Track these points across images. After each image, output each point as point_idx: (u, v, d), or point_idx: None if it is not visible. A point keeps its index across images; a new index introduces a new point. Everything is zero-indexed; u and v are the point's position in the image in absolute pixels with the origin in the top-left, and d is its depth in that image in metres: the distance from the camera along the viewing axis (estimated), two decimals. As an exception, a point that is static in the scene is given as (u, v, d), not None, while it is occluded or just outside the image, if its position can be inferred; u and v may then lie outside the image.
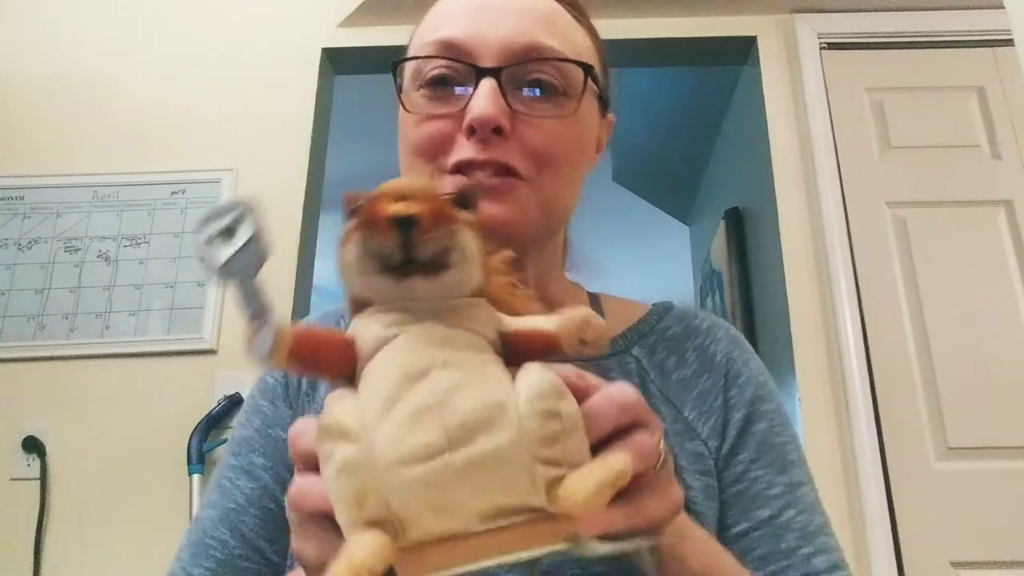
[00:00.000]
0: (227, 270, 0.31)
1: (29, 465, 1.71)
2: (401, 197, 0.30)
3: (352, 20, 2.10)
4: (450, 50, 0.56)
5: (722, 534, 0.56)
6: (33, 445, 1.71)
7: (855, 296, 1.80)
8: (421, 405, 0.28)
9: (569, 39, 0.58)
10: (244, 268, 0.31)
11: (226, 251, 0.31)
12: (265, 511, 0.57)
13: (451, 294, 0.32)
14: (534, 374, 0.30)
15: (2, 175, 1.96)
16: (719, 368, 0.62)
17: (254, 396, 0.62)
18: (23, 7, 2.15)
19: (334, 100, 2.18)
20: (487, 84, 0.53)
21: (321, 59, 2.09)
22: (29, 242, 1.90)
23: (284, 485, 0.57)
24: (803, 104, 1.99)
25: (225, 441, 1.69)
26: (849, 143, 1.95)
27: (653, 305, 0.67)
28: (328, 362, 0.32)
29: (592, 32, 0.63)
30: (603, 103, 0.62)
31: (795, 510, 0.56)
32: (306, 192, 1.97)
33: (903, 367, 1.74)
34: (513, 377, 0.30)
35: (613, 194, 3.25)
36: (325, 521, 0.31)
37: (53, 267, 1.87)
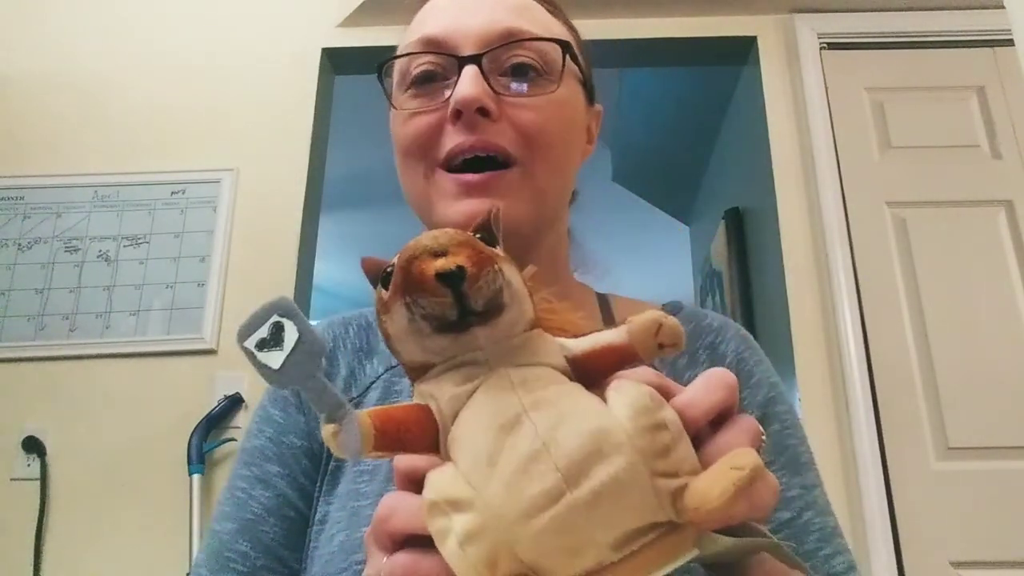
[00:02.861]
0: (286, 377, 0.30)
1: (29, 465, 1.71)
2: (439, 253, 0.29)
3: (352, 20, 2.10)
4: (430, 45, 0.57)
5: None
6: (33, 445, 1.71)
7: (855, 296, 1.80)
8: (526, 452, 0.28)
9: (545, 26, 0.59)
10: (303, 370, 0.30)
11: (278, 357, 0.30)
12: (285, 519, 0.56)
13: (511, 334, 0.31)
14: (627, 390, 0.29)
15: (2, 175, 1.96)
16: (730, 368, 0.61)
17: (264, 406, 0.62)
18: (23, 7, 2.15)
19: (334, 100, 2.19)
20: (469, 70, 0.54)
21: (321, 59, 2.09)
22: (29, 242, 1.90)
23: (302, 492, 0.56)
24: (803, 104, 1.99)
25: (225, 441, 1.70)
26: (849, 143, 1.95)
27: (663, 305, 0.67)
28: (413, 439, 0.31)
29: (570, 26, 0.64)
30: (588, 92, 0.63)
31: (812, 512, 0.56)
32: (306, 192, 1.97)
33: (903, 367, 1.74)
34: (600, 398, 0.30)
35: (613, 194, 3.25)
36: (402, 544, 0.31)
37: (53, 267, 1.87)
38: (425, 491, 0.30)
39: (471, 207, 0.53)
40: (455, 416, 0.30)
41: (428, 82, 0.57)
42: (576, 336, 0.33)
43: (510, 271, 0.31)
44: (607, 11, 2.06)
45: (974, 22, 2.01)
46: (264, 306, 0.30)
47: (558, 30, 0.61)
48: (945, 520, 1.62)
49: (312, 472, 0.58)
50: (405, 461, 0.33)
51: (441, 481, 0.29)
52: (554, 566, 0.27)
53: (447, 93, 0.55)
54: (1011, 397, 1.69)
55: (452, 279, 0.29)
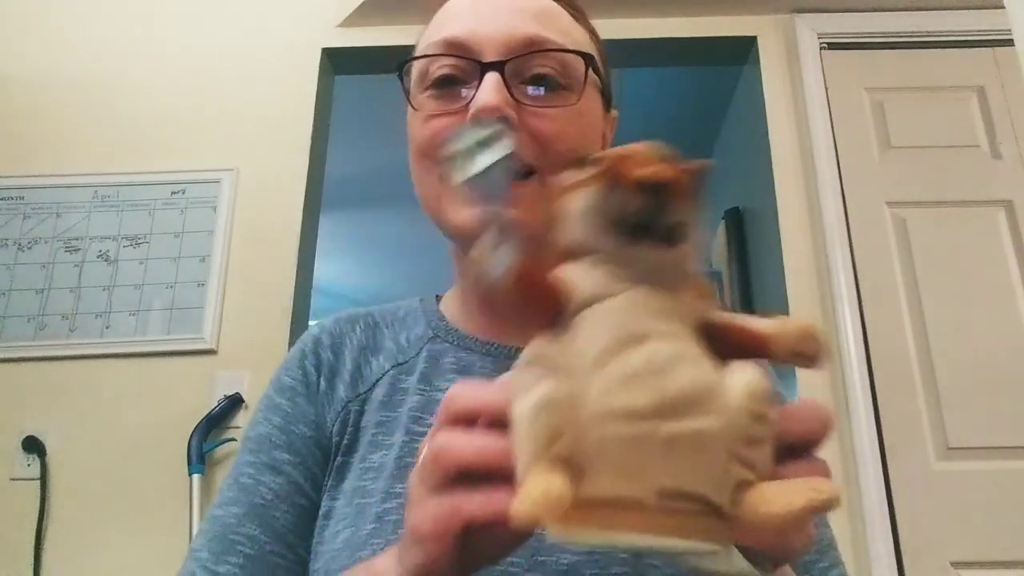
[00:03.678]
0: (476, 183, 0.31)
1: (29, 465, 1.71)
2: (658, 162, 0.30)
3: (352, 20, 2.10)
4: (453, 48, 0.57)
5: None
6: (33, 445, 1.71)
7: (855, 296, 1.80)
8: (638, 368, 0.28)
9: (569, 35, 0.59)
10: (493, 185, 0.31)
11: (478, 165, 0.31)
12: (296, 507, 0.56)
13: (674, 266, 0.31)
14: (750, 372, 0.29)
15: (2, 175, 1.96)
16: None
17: (270, 395, 0.61)
18: (24, 7, 2.15)
19: (334, 100, 2.18)
20: (491, 78, 0.54)
21: (321, 59, 2.09)
22: (29, 242, 1.90)
23: (314, 481, 0.56)
24: (803, 104, 1.99)
25: (225, 441, 1.70)
26: (849, 143, 1.95)
27: None
28: (541, 299, 0.31)
29: (592, 32, 0.64)
30: (606, 99, 0.63)
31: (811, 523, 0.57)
32: (306, 192, 1.97)
33: (903, 367, 1.74)
34: (717, 368, 0.30)
35: (613, 194, 3.24)
36: (454, 481, 0.31)
37: (53, 267, 1.87)
38: (529, 348, 0.30)
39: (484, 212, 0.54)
40: (588, 304, 0.31)
41: (448, 85, 0.57)
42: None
43: (697, 218, 0.31)
44: (607, 11, 2.05)
45: (974, 22, 2.01)
46: (488, 121, 0.32)
47: (581, 37, 0.61)
48: (945, 520, 1.62)
49: (323, 463, 0.58)
50: (463, 400, 0.33)
51: (549, 347, 0.30)
52: (600, 476, 0.27)
53: (466, 96, 0.55)
54: (1011, 397, 1.69)
55: (655, 188, 0.29)
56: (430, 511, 0.32)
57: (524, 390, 0.29)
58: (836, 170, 1.92)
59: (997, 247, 1.83)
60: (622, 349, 0.29)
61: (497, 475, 0.30)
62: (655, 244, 0.30)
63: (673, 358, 0.28)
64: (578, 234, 0.32)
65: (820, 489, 0.28)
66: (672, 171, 0.30)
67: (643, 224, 0.30)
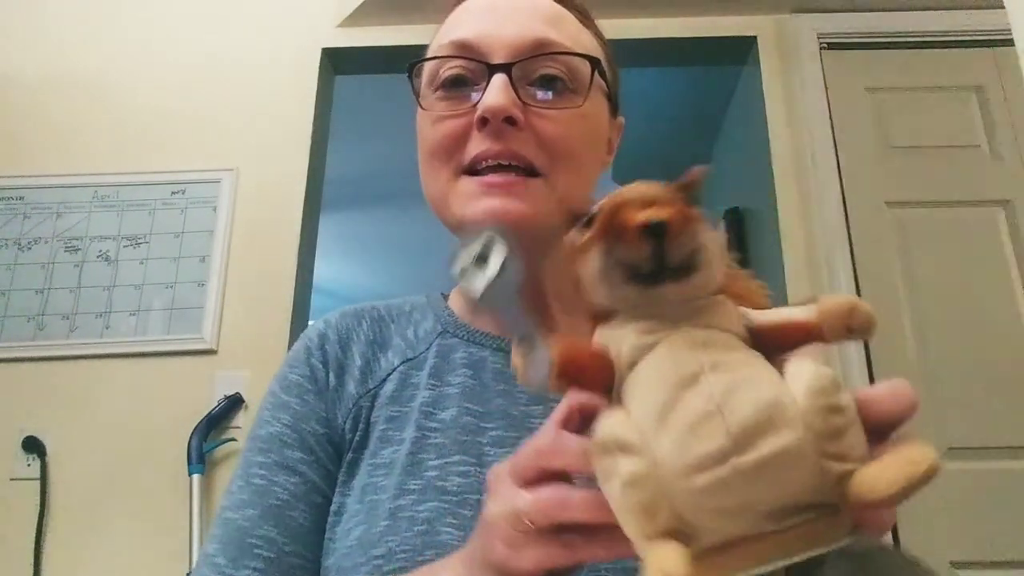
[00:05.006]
0: (488, 297, 0.31)
1: (29, 465, 1.71)
2: (646, 204, 0.30)
3: (352, 20, 2.10)
4: (462, 49, 0.58)
5: None
6: (33, 445, 1.71)
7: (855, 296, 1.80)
8: (700, 411, 0.28)
9: (577, 39, 0.60)
10: (504, 293, 0.32)
11: (483, 279, 0.32)
12: (313, 506, 0.55)
13: (699, 294, 0.32)
14: (808, 368, 0.29)
15: (2, 175, 1.96)
16: None
17: (276, 393, 0.61)
18: (23, 7, 2.15)
19: (334, 100, 2.18)
20: (498, 79, 0.55)
21: (321, 59, 2.09)
22: (29, 242, 1.90)
23: (329, 478, 0.56)
24: (803, 104, 1.99)
25: (225, 441, 1.70)
26: (849, 143, 1.95)
27: None
28: (590, 378, 0.32)
29: (599, 36, 0.64)
30: (612, 104, 0.64)
31: None
32: (306, 192, 1.97)
33: (903, 367, 1.74)
34: (777, 371, 0.30)
35: (613, 194, 3.24)
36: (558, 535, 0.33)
37: (53, 267, 1.87)
38: (597, 431, 0.30)
39: (493, 204, 0.54)
40: (633, 364, 0.31)
41: (457, 86, 0.58)
42: (754, 306, 0.34)
43: (707, 233, 0.31)
44: (607, 11, 2.05)
45: (974, 22, 2.01)
46: (479, 232, 0.32)
47: (588, 42, 0.61)
48: (945, 520, 1.62)
49: (336, 460, 0.57)
50: (578, 397, 0.33)
51: (613, 424, 0.30)
52: (709, 525, 0.28)
53: (475, 97, 0.56)
54: (1011, 397, 1.69)
55: (654, 231, 0.29)
56: (527, 554, 0.34)
57: (606, 475, 0.29)
58: (836, 170, 1.92)
59: (996, 247, 1.83)
60: (678, 398, 0.29)
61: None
62: (675, 280, 0.31)
63: (729, 388, 0.29)
64: (600, 295, 0.32)
65: (917, 461, 0.27)
66: (667, 207, 0.30)
67: (656, 268, 0.30)
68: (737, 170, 2.41)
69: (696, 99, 2.62)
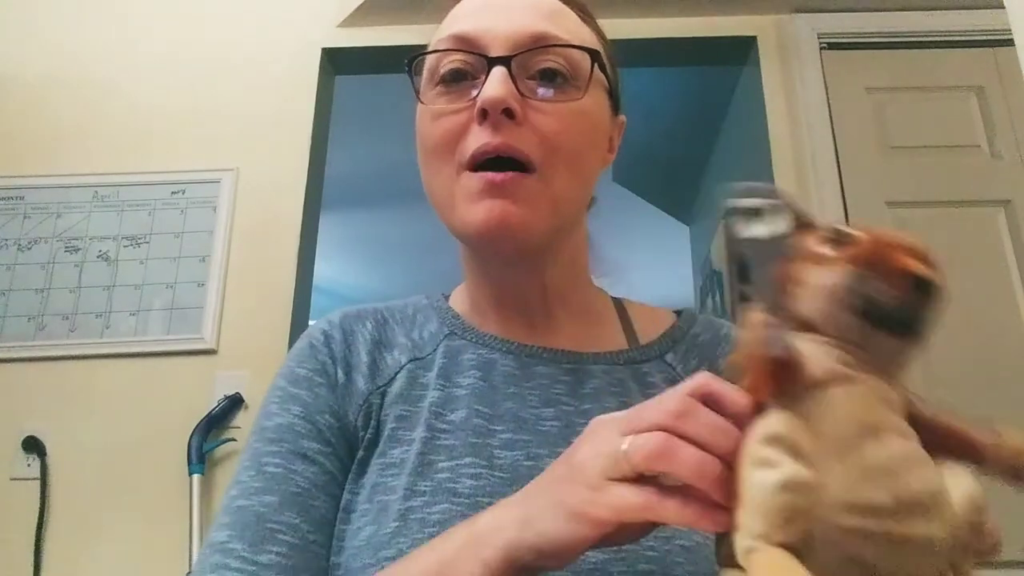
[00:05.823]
0: (757, 250, 0.32)
1: (29, 465, 1.71)
2: (922, 258, 0.31)
3: (352, 20, 2.10)
4: (461, 43, 0.57)
5: None
6: (33, 445, 1.71)
7: (855, 296, 1.80)
8: (878, 465, 0.29)
9: (576, 34, 0.59)
10: (770, 254, 0.32)
11: (753, 230, 0.32)
12: (333, 498, 0.54)
13: (904, 360, 0.33)
14: (970, 481, 0.31)
15: (2, 175, 1.96)
16: None
17: (283, 387, 0.59)
18: (23, 7, 2.15)
19: (334, 100, 2.18)
20: (498, 71, 0.55)
21: (321, 59, 2.09)
22: (29, 242, 1.90)
23: (345, 473, 0.55)
24: (803, 104, 1.99)
25: (225, 441, 1.70)
26: (849, 143, 1.95)
27: (680, 311, 0.68)
28: (784, 373, 0.32)
29: (599, 33, 0.64)
30: (614, 101, 0.63)
31: None
32: (306, 192, 1.97)
33: (903, 367, 1.74)
34: (937, 469, 0.31)
35: (613, 194, 3.25)
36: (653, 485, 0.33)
37: (53, 267, 1.87)
38: (770, 421, 0.31)
39: (491, 210, 0.54)
40: (821, 385, 0.31)
41: (457, 80, 0.58)
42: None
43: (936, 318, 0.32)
44: (607, 11, 2.05)
45: (974, 22, 2.01)
46: (772, 189, 0.33)
47: (588, 38, 0.61)
48: (945, 520, 1.62)
49: (350, 454, 0.57)
50: (712, 383, 0.34)
51: (794, 426, 0.30)
52: (826, 559, 0.28)
53: (475, 92, 0.56)
54: (1011, 397, 1.69)
55: (923, 287, 0.30)
56: (611, 499, 0.34)
57: (764, 464, 0.30)
58: (836, 170, 1.92)
59: (997, 247, 1.83)
60: (862, 441, 0.30)
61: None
62: (898, 335, 0.31)
63: (907, 457, 0.30)
64: (823, 311, 0.32)
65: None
66: (938, 272, 0.31)
67: (896, 316, 0.31)
68: (737, 170, 2.41)
69: (696, 99, 2.62)
